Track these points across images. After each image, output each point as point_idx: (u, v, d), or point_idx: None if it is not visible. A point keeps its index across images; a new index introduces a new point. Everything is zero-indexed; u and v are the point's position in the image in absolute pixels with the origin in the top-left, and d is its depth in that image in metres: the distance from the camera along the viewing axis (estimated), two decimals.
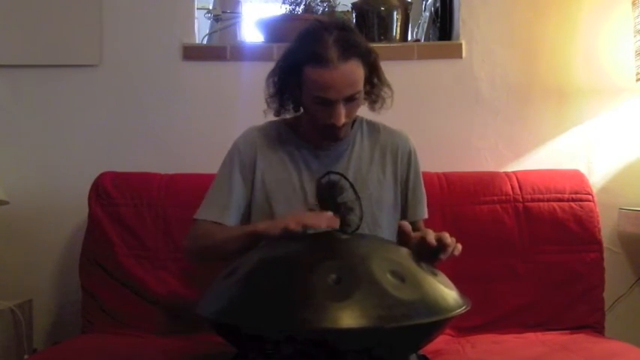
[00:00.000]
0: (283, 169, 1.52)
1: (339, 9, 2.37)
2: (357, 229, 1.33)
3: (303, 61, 1.38)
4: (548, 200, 1.89)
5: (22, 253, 2.14)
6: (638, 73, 1.99)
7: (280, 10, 2.30)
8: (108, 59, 2.17)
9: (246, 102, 2.04)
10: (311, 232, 1.36)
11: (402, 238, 1.37)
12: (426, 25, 2.46)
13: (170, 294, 1.84)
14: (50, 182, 2.15)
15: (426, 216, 1.60)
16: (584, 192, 1.91)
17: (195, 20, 2.23)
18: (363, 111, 1.52)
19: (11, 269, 2.12)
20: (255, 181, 1.53)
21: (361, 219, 1.33)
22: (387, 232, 1.51)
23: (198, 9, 2.27)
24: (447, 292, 1.17)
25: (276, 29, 2.19)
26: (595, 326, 1.82)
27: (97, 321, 1.85)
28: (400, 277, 1.12)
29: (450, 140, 2.14)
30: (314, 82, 1.37)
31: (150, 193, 1.92)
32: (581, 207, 1.88)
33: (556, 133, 2.12)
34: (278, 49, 2.07)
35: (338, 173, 1.37)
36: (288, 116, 1.55)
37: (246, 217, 1.54)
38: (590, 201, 1.90)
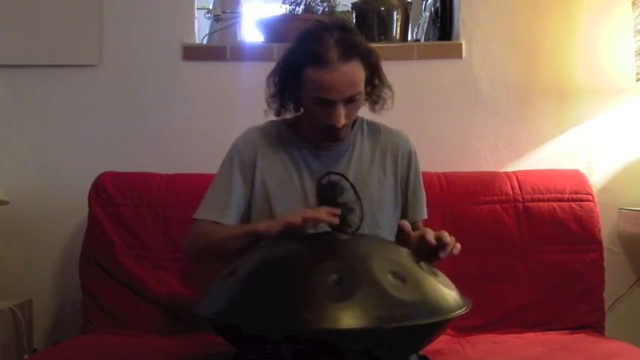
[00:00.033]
0: (283, 169, 1.52)
1: (339, 9, 2.37)
2: (358, 229, 1.33)
3: (303, 61, 1.38)
4: (548, 200, 1.89)
5: (22, 253, 2.14)
6: (638, 73, 1.99)
7: (280, 10, 2.30)
8: (108, 59, 2.17)
9: (246, 102, 2.04)
10: (311, 232, 1.37)
11: (402, 238, 1.37)
12: (426, 25, 2.46)
13: (170, 294, 1.84)
14: (50, 182, 2.15)
15: (425, 216, 1.60)
16: (584, 192, 1.91)
17: (195, 20, 2.23)
18: (364, 111, 1.52)
19: (11, 269, 2.12)
20: (255, 181, 1.52)
21: (362, 219, 1.33)
22: (388, 232, 1.50)
23: (198, 9, 2.27)
24: (448, 293, 1.17)
25: (276, 29, 2.19)
26: (595, 326, 1.82)
27: (97, 321, 1.85)
28: (401, 277, 1.12)
29: (450, 140, 2.14)
30: (314, 82, 1.37)
31: (150, 193, 1.92)
32: (581, 207, 1.88)
33: (556, 133, 2.12)
34: (278, 49, 2.08)
35: (338, 174, 1.37)
36: (288, 116, 1.55)
37: (246, 217, 1.54)
38: (590, 201, 1.90)
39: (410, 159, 1.58)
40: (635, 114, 2.10)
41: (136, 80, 2.17)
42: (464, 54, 2.15)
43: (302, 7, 2.26)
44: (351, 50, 1.36)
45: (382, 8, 2.22)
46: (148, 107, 2.17)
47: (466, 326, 1.76)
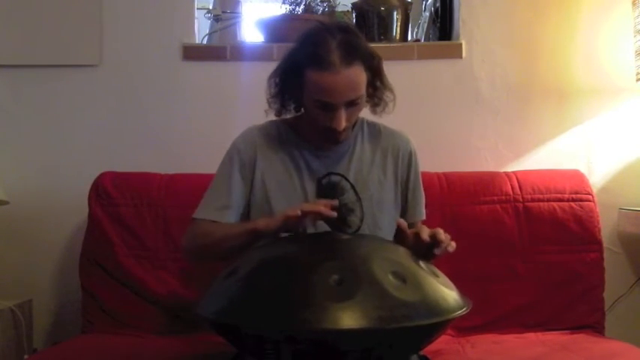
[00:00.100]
0: (283, 169, 1.52)
1: (339, 9, 2.37)
2: (358, 230, 1.33)
3: (305, 63, 1.38)
4: (548, 200, 1.89)
5: (22, 253, 2.14)
6: (638, 73, 1.99)
7: (280, 10, 2.30)
8: (108, 59, 2.17)
9: (246, 102, 2.04)
10: (311, 232, 1.37)
11: (399, 236, 1.37)
12: (426, 25, 2.46)
13: (170, 294, 1.84)
14: (50, 182, 2.15)
15: (424, 217, 1.60)
16: (584, 192, 1.91)
17: (195, 20, 2.23)
18: (364, 112, 1.52)
19: (11, 269, 2.12)
20: (254, 180, 1.52)
21: (362, 220, 1.33)
22: (388, 233, 1.50)
23: (198, 9, 2.27)
24: (448, 293, 1.17)
25: (276, 29, 2.19)
26: (595, 326, 1.82)
27: (97, 321, 1.85)
28: (401, 277, 1.12)
29: (450, 140, 2.14)
30: (315, 85, 1.36)
31: (150, 193, 1.92)
32: (581, 207, 1.88)
33: (556, 133, 2.12)
34: (278, 49, 2.08)
35: (339, 174, 1.37)
36: (288, 116, 1.55)
37: (246, 217, 1.53)
38: (590, 201, 1.90)
39: (410, 160, 1.58)
40: (635, 114, 2.10)
41: (136, 80, 2.17)
42: (464, 54, 2.15)
43: (302, 7, 2.26)
44: (353, 53, 1.36)
45: (382, 8, 2.22)
46: (148, 107, 2.17)
47: (466, 326, 1.76)
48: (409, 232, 1.36)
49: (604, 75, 2.11)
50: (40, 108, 2.17)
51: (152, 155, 2.13)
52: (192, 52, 2.18)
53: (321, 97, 1.37)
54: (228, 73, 2.16)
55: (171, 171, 2.00)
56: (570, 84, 2.12)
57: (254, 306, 1.10)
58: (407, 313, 1.06)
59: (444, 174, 1.97)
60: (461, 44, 2.15)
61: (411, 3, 2.30)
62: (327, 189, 1.36)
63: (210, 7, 2.40)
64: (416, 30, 2.57)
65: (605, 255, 1.88)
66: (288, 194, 1.49)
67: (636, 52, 2.01)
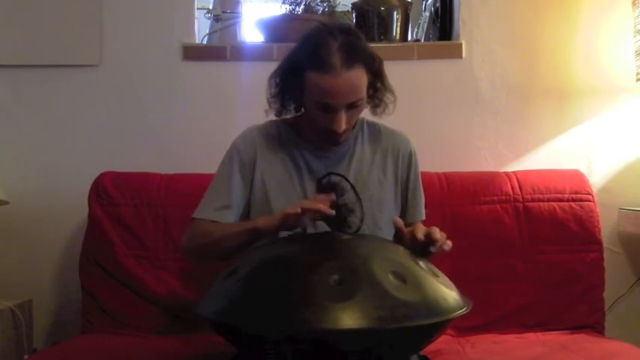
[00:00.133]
0: (283, 170, 1.52)
1: (339, 9, 2.37)
2: (358, 230, 1.33)
3: (306, 64, 1.37)
4: (548, 200, 1.89)
5: (22, 253, 2.14)
6: (638, 73, 1.99)
7: (280, 10, 2.29)
8: (108, 59, 2.17)
9: (246, 102, 2.04)
10: (311, 232, 1.37)
11: (396, 235, 1.37)
12: (426, 25, 2.46)
13: (170, 294, 1.84)
14: (50, 182, 2.15)
15: (423, 217, 1.60)
16: (584, 192, 1.91)
17: (195, 20, 2.23)
18: (364, 112, 1.52)
19: (11, 269, 2.12)
20: (254, 180, 1.52)
21: (362, 220, 1.33)
22: (388, 233, 1.50)
23: (198, 9, 2.27)
24: (448, 293, 1.17)
25: (276, 29, 2.19)
26: (595, 326, 1.82)
27: (97, 321, 1.85)
28: (401, 277, 1.12)
29: (450, 140, 2.14)
30: (316, 87, 1.36)
31: (150, 193, 1.92)
32: (581, 207, 1.88)
33: (556, 133, 2.12)
34: (278, 49, 2.08)
35: (339, 174, 1.37)
36: (289, 116, 1.55)
37: (246, 217, 1.53)
38: (590, 201, 1.90)
39: (410, 160, 1.58)
40: (635, 114, 2.10)
41: (136, 80, 2.17)
42: (464, 54, 2.15)
43: (302, 7, 2.26)
44: (354, 56, 1.36)
45: (382, 8, 2.21)
46: (148, 107, 2.17)
47: (466, 326, 1.76)
48: (406, 230, 1.36)
49: (604, 75, 2.11)
50: (40, 108, 2.17)
51: (152, 155, 2.13)
52: (192, 52, 2.18)
53: (322, 99, 1.37)
54: (228, 73, 2.16)
55: (171, 171, 2.00)
56: (570, 84, 2.12)
57: (254, 306, 1.10)
58: (407, 313, 1.06)
59: (444, 174, 1.97)
60: (461, 44, 2.15)
61: (411, 3, 2.30)
62: (327, 189, 1.36)
63: (210, 7, 2.40)
64: (416, 30, 2.57)
65: (605, 255, 1.88)
66: (288, 194, 1.49)
67: (636, 52, 2.01)
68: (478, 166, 2.10)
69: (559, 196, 1.90)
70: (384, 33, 2.21)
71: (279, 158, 1.53)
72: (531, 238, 1.87)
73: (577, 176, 1.96)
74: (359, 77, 1.37)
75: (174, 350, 1.62)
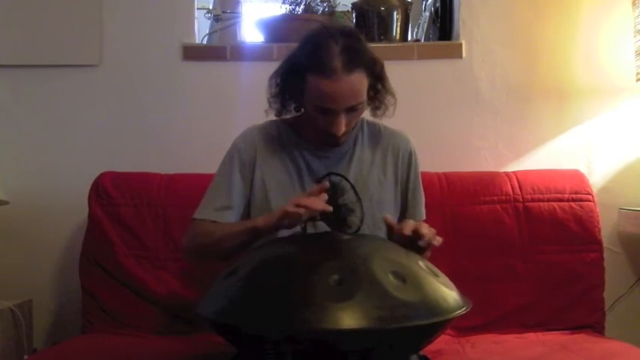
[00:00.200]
0: (284, 170, 1.52)
1: (339, 9, 2.37)
2: (358, 230, 1.32)
3: (306, 67, 1.37)
4: (548, 200, 1.89)
5: (22, 253, 2.14)
6: (638, 73, 1.99)
7: (280, 10, 2.29)
8: (108, 59, 2.17)
9: (246, 102, 2.04)
10: (311, 232, 1.37)
11: (387, 231, 1.37)
12: (426, 25, 2.46)
13: (170, 294, 1.84)
14: (50, 182, 2.15)
15: (424, 217, 1.60)
16: (584, 192, 1.91)
17: (195, 20, 2.23)
18: (364, 112, 1.52)
19: (11, 269, 2.12)
20: (254, 180, 1.52)
21: (362, 220, 1.33)
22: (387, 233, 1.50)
23: (198, 9, 2.27)
24: (448, 293, 1.17)
25: (276, 29, 2.19)
26: (595, 326, 1.82)
27: (97, 321, 1.85)
28: (401, 277, 1.12)
29: (450, 140, 2.14)
30: (316, 90, 1.36)
31: (150, 193, 1.92)
32: (581, 207, 1.88)
33: (556, 133, 2.12)
34: (278, 49, 2.08)
35: (339, 174, 1.37)
36: (289, 116, 1.55)
37: (246, 217, 1.53)
38: (590, 201, 1.90)
39: (410, 159, 1.58)
40: (635, 114, 2.10)
41: (136, 80, 2.17)
42: (464, 54, 2.15)
43: (302, 7, 2.26)
44: (355, 60, 1.35)
45: (382, 8, 2.21)
46: (148, 107, 2.17)
47: (466, 326, 1.76)
48: (396, 227, 1.36)
49: (604, 75, 2.11)
50: (40, 108, 2.17)
51: (152, 155, 2.13)
52: (192, 52, 2.18)
53: (322, 102, 1.37)
54: (228, 73, 2.16)
55: (171, 171, 2.00)
56: (570, 84, 2.12)
57: (254, 306, 1.10)
58: (407, 313, 1.06)
59: (444, 174, 1.97)
60: (461, 44, 2.15)
61: (411, 3, 2.30)
62: (327, 189, 1.36)
63: (210, 7, 2.40)
64: (416, 30, 2.57)
65: (605, 255, 1.88)
66: (288, 194, 1.49)
67: (636, 52, 2.01)
68: (478, 166, 2.10)
69: (559, 196, 1.90)
70: (384, 33, 2.21)
71: (279, 158, 1.53)
72: (531, 238, 1.87)
73: (577, 176, 1.96)
74: (359, 81, 1.37)
75: (174, 350, 1.62)
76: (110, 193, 1.91)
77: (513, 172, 1.97)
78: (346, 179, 1.37)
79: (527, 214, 1.88)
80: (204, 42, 2.31)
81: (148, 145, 2.16)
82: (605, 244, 1.90)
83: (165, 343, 1.69)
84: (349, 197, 1.35)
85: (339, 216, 1.31)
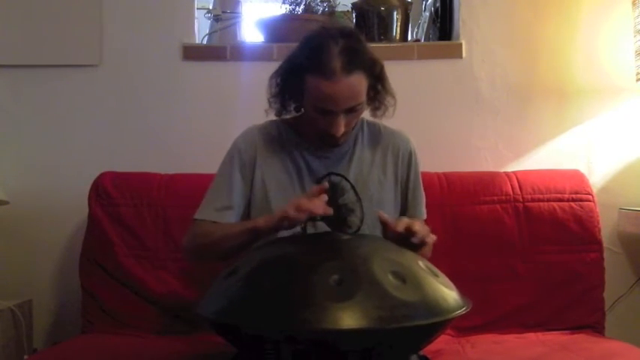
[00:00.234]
0: (284, 170, 1.52)
1: (339, 9, 2.37)
2: (358, 230, 1.32)
3: (306, 68, 1.37)
4: (548, 200, 1.89)
5: (22, 253, 2.14)
6: (638, 73, 1.99)
7: (280, 10, 2.29)
8: (108, 59, 2.17)
9: (246, 102, 2.04)
10: (311, 232, 1.36)
11: (382, 229, 1.37)
12: (426, 25, 2.46)
13: (170, 294, 1.84)
14: (50, 182, 2.15)
15: (424, 216, 1.60)
16: (584, 192, 1.91)
17: (195, 20, 2.23)
18: (364, 113, 1.52)
19: (11, 269, 2.12)
20: (254, 180, 1.52)
21: (362, 220, 1.33)
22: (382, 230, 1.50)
23: (198, 9, 2.27)
24: (448, 293, 1.17)
25: (276, 29, 2.19)
26: (595, 326, 1.82)
27: (97, 321, 1.85)
28: (401, 277, 1.12)
29: (450, 140, 2.14)
30: (316, 91, 1.36)
31: (150, 193, 1.92)
32: (581, 207, 1.88)
33: (556, 133, 2.12)
34: (278, 49, 2.08)
35: (339, 174, 1.37)
36: (289, 116, 1.55)
37: (246, 217, 1.53)
38: (590, 201, 1.90)
39: (410, 159, 1.58)
40: (635, 114, 2.10)
41: (136, 80, 2.17)
42: (464, 54, 2.15)
43: (302, 7, 2.26)
44: (355, 61, 1.35)
45: (382, 8, 2.21)
46: (148, 107, 2.17)
47: (466, 326, 1.76)
48: (391, 224, 1.36)
49: (604, 75, 2.11)
50: (40, 108, 2.17)
51: (152, 155, 2.13)
52: (192, 52, 2.18)
53: (321, 103, 1.37)
54: (228, 73, 2.16)
55: (171, 171, 2.00)
56: (570, 84, 2.12)
57: (254, 306, 1.09)
58: (407, 313, 1.06)
59: (444, 174, 1.97)
60: (461, 44, 2.15)
61: (411, 3, 2.30)
62: (327, 189, 1.36)
63: (210, 7, 2.40)
64: (416, 30, 2.57)
65: (605, 255, 1.88)
66: (288, 194, 1.49)
67: (636, 52, 2.01)
68: (478, 166, 2.10)
69: (559, 196, 1.90)
70: (384, 33, 2.21)
71: (279, 158, 1.53)
72: (531, 238, 1.87)
73: (577, 176, 1.96)
74: (359, 82, 1.37)
75: (174, 350, 1.62)
76: (110, 193, 1.91)
77: (513, 172, 1.97)
78: (346, 179, 1.37)
79: (527, 214, 1.88)
80: (204, 42, 2.31)
81: (148, 145, 2.16)
82: (605, 244, 1.90)
83: (165, 343, 1.69)
84: (349, 197, 1.35)
85: (339, 216, 1.31)
